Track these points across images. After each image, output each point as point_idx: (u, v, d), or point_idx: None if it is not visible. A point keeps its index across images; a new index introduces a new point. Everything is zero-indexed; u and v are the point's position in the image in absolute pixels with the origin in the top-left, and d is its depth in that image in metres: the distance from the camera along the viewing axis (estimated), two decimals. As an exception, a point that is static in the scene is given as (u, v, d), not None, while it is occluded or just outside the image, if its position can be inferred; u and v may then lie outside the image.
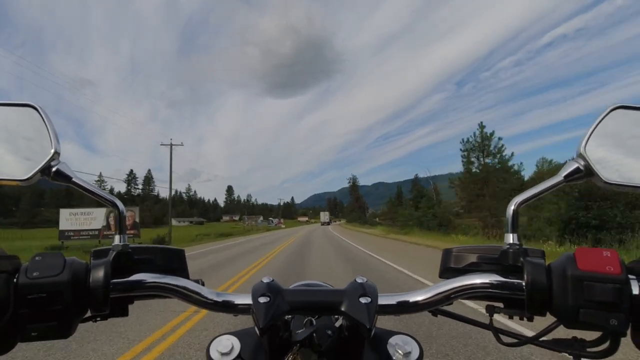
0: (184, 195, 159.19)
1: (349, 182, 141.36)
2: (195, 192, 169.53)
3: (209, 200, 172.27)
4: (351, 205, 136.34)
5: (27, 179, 0.45)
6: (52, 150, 0.46)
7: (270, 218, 77.46)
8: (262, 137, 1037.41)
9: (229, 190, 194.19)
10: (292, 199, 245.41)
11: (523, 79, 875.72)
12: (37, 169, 0.45)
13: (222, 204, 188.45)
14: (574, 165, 0.45)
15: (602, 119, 0.45)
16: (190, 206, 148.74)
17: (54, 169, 0.46)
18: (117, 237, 0.47)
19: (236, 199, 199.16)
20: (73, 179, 0.47)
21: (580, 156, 0.44)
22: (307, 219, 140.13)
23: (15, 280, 0.39)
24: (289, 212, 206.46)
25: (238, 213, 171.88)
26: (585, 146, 0.44)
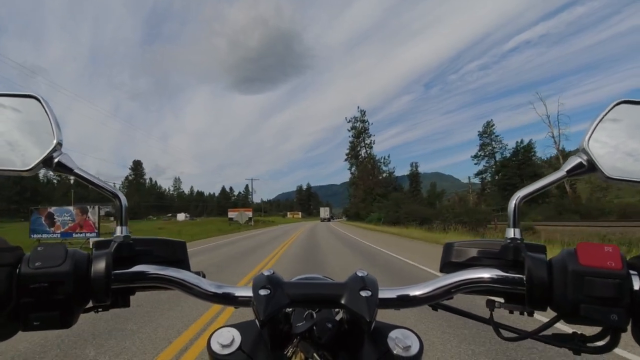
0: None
1: (353, 125, 69.95)
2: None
3: (45, 179, 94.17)
4: (363, 180, 64.07)
5: (29, 169, 0.45)
6: (55, 141, 0.46)
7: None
8: (231, 134, 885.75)
9: (137, 167, 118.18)
10: (250, 188, 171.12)
11: (488, 82, 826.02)
12: (39, 159, 0.45)
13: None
14: (577, 160, 0.44)
15: (606, 113, 0.44)
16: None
17: (55, 160, 0.46)
18: (118, 229, 0.47)
19: (149, 182, 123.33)
20: (75, 170, 0.47)
21: (583, 151, 0.44)
22: (248, 213, 50.62)
23: (17, 270, 0.39)
24: (227, 204, 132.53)
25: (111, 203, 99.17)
26: (588, 141, 0.44)
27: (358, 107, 73.80)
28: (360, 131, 70.93)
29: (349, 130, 73.13)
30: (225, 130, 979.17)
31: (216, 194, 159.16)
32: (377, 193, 58.25)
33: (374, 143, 71.72)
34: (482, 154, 60.97)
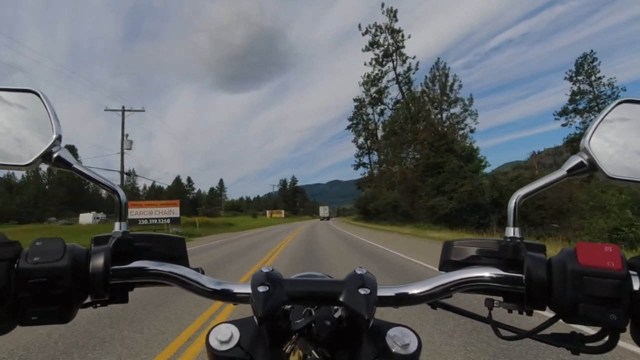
0: None
1: (373, 39, 38.50)
2: None
3: None
4: (424, 131, 32.90)
5: (29, 164, 0.45)
6: (54, 136, 0.46)
7: None
8: (216, 134, 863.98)
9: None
10: (220, 181, 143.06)
11: (472, 81, 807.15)
12: (38, 154, 0.45)
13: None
14: (578, 160, 0.44)
15: (608, 113, 0.44)
16: None
17: (55, 155, 0.46)
18: (117, 224, 0.47)
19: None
20: (74, 165, 0.46)
21: (584, 150, 0.44)
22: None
23: (16, 265, 0.39)
24: (182, 200, 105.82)
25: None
26: (589, 140, 0.43)
27: (382, 5, 41.67)
28: (387, 51, 39.02)
29: (365, 50, 40.46)
30: (209, 129, 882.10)
31: (132, 170, 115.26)
32: (460, 155, 27.08)
33: (415, 70, 38.94)
34: (576, 107, 37.85)
